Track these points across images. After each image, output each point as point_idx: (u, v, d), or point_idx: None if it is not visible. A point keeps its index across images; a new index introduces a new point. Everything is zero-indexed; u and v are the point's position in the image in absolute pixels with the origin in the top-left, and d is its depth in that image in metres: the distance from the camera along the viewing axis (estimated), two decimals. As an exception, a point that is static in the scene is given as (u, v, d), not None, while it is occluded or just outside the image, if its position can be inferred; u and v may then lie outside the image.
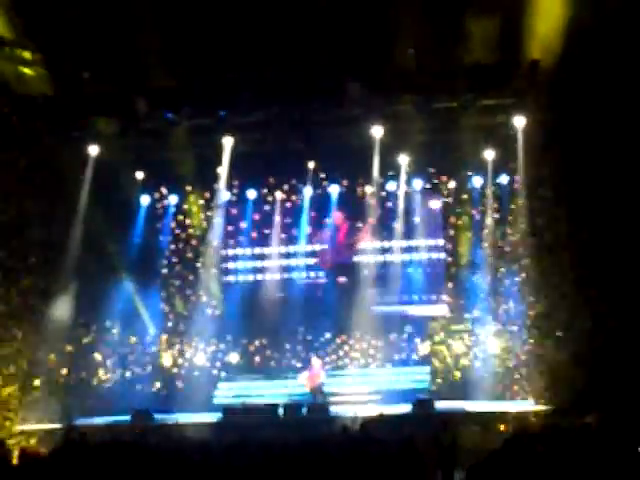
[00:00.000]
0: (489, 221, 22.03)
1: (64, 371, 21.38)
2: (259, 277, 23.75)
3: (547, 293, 19.74)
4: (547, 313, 19.70)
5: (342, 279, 23.23)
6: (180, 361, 23.11)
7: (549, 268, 19.57)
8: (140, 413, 18.91)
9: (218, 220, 23.18)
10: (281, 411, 18.61)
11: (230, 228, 23.62)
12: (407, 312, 22.66)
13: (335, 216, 23.36)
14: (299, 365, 22.02)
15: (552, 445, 9.00)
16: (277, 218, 23.50)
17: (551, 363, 19.19)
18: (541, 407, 18.28)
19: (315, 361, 20.83)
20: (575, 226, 18.74)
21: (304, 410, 18.67)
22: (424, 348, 22.23)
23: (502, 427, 16.38)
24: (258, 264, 23.79)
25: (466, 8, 16.79)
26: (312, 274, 23.54)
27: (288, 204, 23.55)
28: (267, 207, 23.57)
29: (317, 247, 23.53)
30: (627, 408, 14.51)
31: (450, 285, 22.60)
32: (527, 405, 18.94)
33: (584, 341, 18.06)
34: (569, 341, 18.56)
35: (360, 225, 23.15)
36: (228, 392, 22.19)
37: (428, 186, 22.74)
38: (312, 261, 23.56)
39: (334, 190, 23.14)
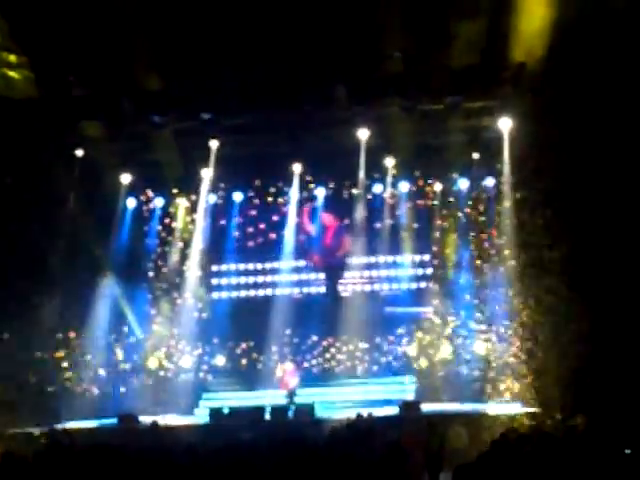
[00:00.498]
0: (475, 223, 22.10)
1: (49, 374, 21.28)
2: (243, 280, 23.80)
3: (533, 295, 19.78)
4: (533, 315, 19.74)
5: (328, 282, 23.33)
6: (166, 364, 23.03)
7: (535, 270, 19.60)
8: (126, 416, 18.85)
9: (205, 223, 23.16)
10: (268, 414, 18.60)
11: (217, 231, 23.59)
12: (393, 314, 22.69)
13: (324, 217, 23.37)
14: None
15: (539, 447, 9.03)
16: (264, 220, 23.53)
17: (537, 365, 19.24)
18: (528, 409, 18.31)
19: (288, 365, 20.64)
20: (561, 228, 18.78)
21: (290, 413, 18.67)
22: (410, 350, 22.24)
23: (489, 429, 16.37)
24: (242, 267, 23.83)
25: (452, 11, 16.84)
26: (296, 277, 23.59)
27: (275, 206, 23.53)
28: (254, 209, 23.56)
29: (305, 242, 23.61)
30: (613, 410, 14.57)
31: (436, 287, 22.61)
32: (514, 407, 18.96)
33: (571, 343, 18.10)
34: (555, 343, 18.59)
35: (347, 227, 23.17)
36: (214, 395, 22.14)
37: (414, 188, 22.76)
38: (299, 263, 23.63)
39: (320, 193, 23.14)
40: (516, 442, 9.64)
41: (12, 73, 18.15)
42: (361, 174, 21.86)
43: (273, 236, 23.49)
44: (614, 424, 11.20)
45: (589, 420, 12.92)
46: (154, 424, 17.47)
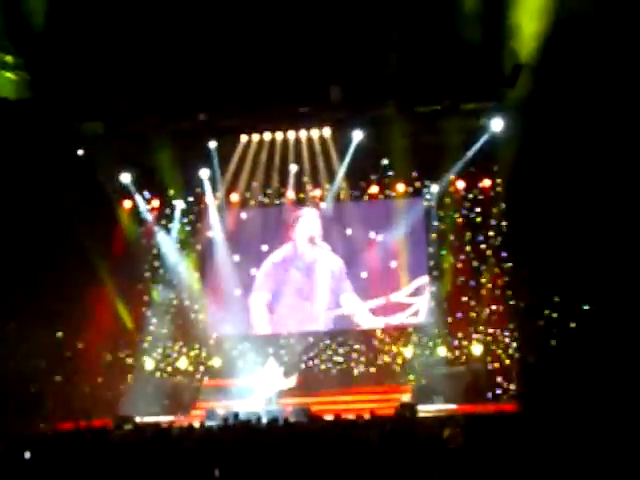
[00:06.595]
0: (471, 225, 22.12)
1: (48, 376, 21.28)
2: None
3: (529, 296, 19.82)
4: (529, 316, 19.78)
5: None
6: (162, 365, 23.03)
7: (531, 271, 19.64)
8: (123, 417, 18.82)
9: (202, 223, 23.23)
10: (264, 416, 18.58)
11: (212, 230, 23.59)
12: (389, 315, 22.65)
13: None
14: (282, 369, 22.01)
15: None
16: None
17: (533, 366, 19.27)
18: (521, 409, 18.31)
19: (272, 363, 20.44)
20: (556, 229, 18.83)
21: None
22: (407, 351, 22.21)
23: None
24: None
25: (449, 13, 16.89)
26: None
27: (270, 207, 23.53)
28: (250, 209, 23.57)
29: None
30: (609, 410, 14.60)
31: (433, 289, 22.56)
32: (509, 407, 18.95)
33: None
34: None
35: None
36: (212, 397, 22.09)
37: (410, 190, 22.75)
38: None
39: (316, 193, 23.13)
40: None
41: (8, 74, 18.18)
42: (357, 175, 22.01)
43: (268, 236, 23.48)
44: (610, 423, 11.22)
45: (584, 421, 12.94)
46: (150, 425, 17.44)
